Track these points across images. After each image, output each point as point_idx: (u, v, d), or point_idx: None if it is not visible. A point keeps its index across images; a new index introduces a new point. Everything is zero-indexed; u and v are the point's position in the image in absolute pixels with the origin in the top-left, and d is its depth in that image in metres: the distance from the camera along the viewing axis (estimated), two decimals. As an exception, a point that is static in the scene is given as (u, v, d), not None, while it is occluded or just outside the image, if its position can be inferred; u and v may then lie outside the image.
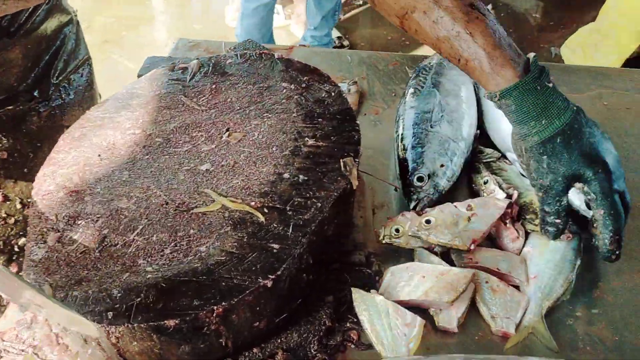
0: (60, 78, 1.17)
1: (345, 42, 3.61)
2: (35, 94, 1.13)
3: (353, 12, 4.01)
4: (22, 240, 1.19)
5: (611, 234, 0.87)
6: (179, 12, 4.10)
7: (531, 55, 0.88)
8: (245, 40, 1.39)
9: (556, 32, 3.79)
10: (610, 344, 0.88)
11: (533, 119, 0.86)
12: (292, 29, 3.75)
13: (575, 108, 0.89)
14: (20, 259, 1.21)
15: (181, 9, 4.13)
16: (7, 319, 0.92)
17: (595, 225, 0.89)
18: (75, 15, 1.22)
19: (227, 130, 0.98)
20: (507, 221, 0.99)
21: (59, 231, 0.86)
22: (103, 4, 4.09)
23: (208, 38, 1.53)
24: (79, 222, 0.87)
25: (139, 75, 1.23)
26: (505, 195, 1.02)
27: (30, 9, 1.06)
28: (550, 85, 0.87)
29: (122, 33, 3.77)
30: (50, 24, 1.12)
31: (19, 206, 1.15)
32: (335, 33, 3.60)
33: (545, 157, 0.87)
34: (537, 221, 0.99)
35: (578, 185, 0.88)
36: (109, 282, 0.78)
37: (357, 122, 0.99)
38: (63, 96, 1.18)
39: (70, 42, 1.19)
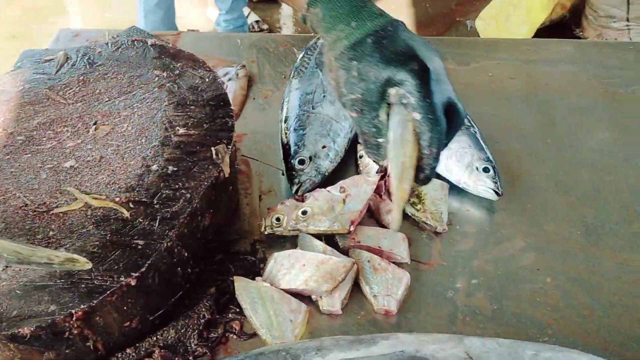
0: None
1: (264, 26, 3.56)
2: None
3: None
4: None
5: (429, 143, 0.76)
6: (92, 1, 3.94)
7: None
8: (129, 28, 1.34)
9: (472, 6, 3.84)
10: (488, 314, 0.89)
11: (342, 22, 0.79)
12: (208, 14, 3.67)
13: (393, 19, 0.81)
14: None
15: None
16: None
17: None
18: None
19: (95, 123, 0.94)
20: (382, 193, 0.99)
21: None
22: (11, -5, 3.89)
23: (121, 26, 1.46)
24: None
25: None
26: (379, 167, 1.03)
27: None
28: None
29: (30, 25, 3.59)
30: None
31: None
32: (253, 17, 3.54)
33: (355, 62, 0.77)
34: (419, 206, 1.01)
35: (392, 91, 0.76)
36: (-40, 294, 0.74)
37: (232, 107, 0.97)
38: None
39: None
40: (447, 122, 0.78)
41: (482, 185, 1.03)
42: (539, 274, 0.95)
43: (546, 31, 3.25)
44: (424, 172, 0.79)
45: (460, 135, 1.07)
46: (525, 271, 0.95)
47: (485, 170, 1.03)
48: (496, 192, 1.02)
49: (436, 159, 0.78)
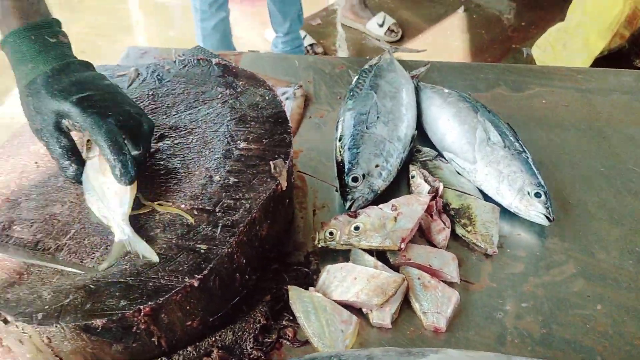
0: None
1: (319, 49, 3.64)
2: None
3: (327, 16, 4.04)
4: None
5: (114, 161, 0.85)
6: (155, 20, 4.11)
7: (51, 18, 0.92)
8: (194, 47, 1.41)
9: (528, 33, 3.83)
10: (538, 337, 0.90)
11: (22, 64, 0.88)
12: (266, 36, 3.78)
13: (72, 60, 0.90)
14: None
15: (157, 17, 4.13)
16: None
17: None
18: None
19: (162, 135, 1.00)
20: (433, 213, 1.02)
21: (-7, 238, 0.87)
22: (78, 14, 4.09)
23: (183, 44, 1.55)
24: (14, 227, 0.88)
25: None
26: (430, 188, 1.05)
27: None
28: (53, 40, 0.90)
29: (98, 43, 3.77)
30: None
31: None
32: (308, 40, 3.63)
33: (30, 98, 0.86)
34: (469, 227, 1.03)
35: (65, 122, 0.86)
36: (39, 285, 0.80)
37: (290, 124, 1.01)
38: None
39: None
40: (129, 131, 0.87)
41: (534, 210, 1.04)
42: (589, 300, 0.95)
43: (604, 61, 3.21)
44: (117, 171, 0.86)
45: (512, 160, 1.09)
46: (576, 297, 0.96)
47: (537, 195, 1.04)
48: (548, 218, 1.03)
49: (126, 174, 0.86)
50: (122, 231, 0.84)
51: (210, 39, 2.98)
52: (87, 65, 0.93)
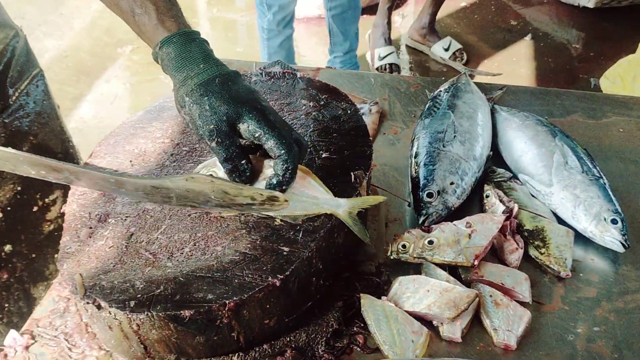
0: (17, 88, 1.23)
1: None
2: None
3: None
4: (7, 247, 1.25)
5: (284, 162, 0.87)
6: (224, 35, 4.25)
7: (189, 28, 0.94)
8: (274, 60, 1.47)
9: (596, 63, 3.77)
10: (609, 361, 0.90)
11: (192, 64, 0.89)
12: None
13: (234, 70, 0.93)
14: (9, 265, 1.27)
15: (225, 32, 4.28)
16: (43, 307, 1.00)
17: (274, 163, 0.89)
18: (22, 31, 1.27)
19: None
20: (507, 233, 1.03)
21: (91, 227, 0.94)
22: (149, 26, 4.28)
23: (246, 57, 1.61)
24: (110, 220, 0.94)
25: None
26: (505, 208, 1.06)
27: None
28: (210, 47, 0.93)
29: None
30: None
31: (0, 215, 1.22)
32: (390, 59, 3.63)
33: (206, 98, 0.87)
34: (543, 249, 1.03)
35: (242, 126, 0.87)
36: (132, 274, 0.85)
37: (370, 138, 1.05)
38: (24, 106, 1.24)
39: (21, 55, 1.24)
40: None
41: (609, 236, 1.04)
42: (664, 329, 0.94)
43: (676, 94, 3.13)
44: (281, 187, 0.89)
45: (589, 185, 1.09)
46: (649, 325, 0.95)
47: (613, 221, 1.04)
48: (623, 245, 1.03)
49: (292, 177, 0.89)
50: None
51: (276, 56, 3.07)
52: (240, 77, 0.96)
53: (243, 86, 0.91)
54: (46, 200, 1.29)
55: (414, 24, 3.75)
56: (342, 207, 0.91)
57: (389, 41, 3.61)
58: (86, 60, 3.87)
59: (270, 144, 0.87)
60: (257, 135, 0.87)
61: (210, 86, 0.88)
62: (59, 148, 1.35)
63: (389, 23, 3.61)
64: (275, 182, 0.89)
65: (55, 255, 0.93)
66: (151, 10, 0.92)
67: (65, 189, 1.12)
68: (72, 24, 4.28)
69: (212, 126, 0.87)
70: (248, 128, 0.87)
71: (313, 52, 3.88)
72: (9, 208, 1.23)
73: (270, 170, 0.90)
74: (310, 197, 0.92)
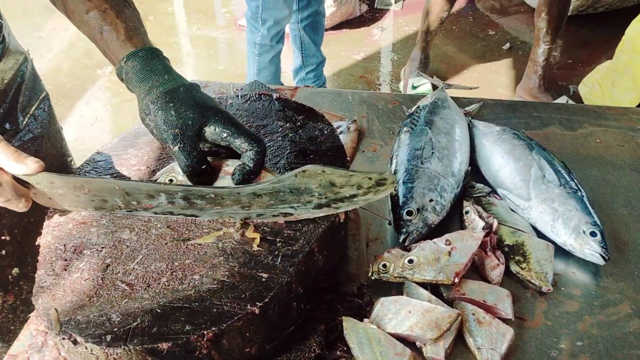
0: (27, 112, 1.24)
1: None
2: (7, 126, 1.19)
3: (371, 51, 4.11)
4: (14, 270, 1.26)
5: (256, 153, 0.91)
6: (205, 53, 4.25)
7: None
8: (252, 82, 1.47)
9: (575, 70, 3.82)
10: (593, 376, 0.90)
11: (157, 75, 0.94)
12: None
13: (195, 82, 0.98)
14: (16, 288, 1.27)
15: (207, 50, 4.28)
16: (20, 342, 0.98)
17: (243, 155, 0.92)
18: (29, 54, 1.29)
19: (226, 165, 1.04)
20: (488, 249, 1.03)
21: (66, 260, 0.92)
22: (130, 46, 4.27)
23: (230, 77, 1.61)
24: (85, 251, 0.93)
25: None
26: (484, 224, 1.06)
27: None
28: (169, 63, 0.98)
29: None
30: (7, 63, 1.19)
31: (8, 238, 1.21)
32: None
33: (172, 104, 0.91)
34: (524, 264, 1.03)
35: (208, 130, 0.92)
36: (108, 307, 0.84)
37: (348, 158, 1.04)
38: (32, 130, 1.25)
39: (30, 79, 1.26)
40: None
41: (589, 249, 1.04)
42: (647, 341, 0.94)
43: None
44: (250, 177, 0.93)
45: (567, 198, 1.09)
46: (632, 337, 0.95)
47: (593, 234, 1.04)
48: (603, 257, 1.03)
49: (258, 170, 0.93)
50: None
51: (265, 72, 3.08)
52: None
53: (206, 95, 0.96)
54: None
55: (523, 82, 3.48)
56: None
57: (424, 72, 3.54)
58: (65, 82, 3.86)
59: (239, 141, 0.91)
60: (224, 136, 0.91)
61: (175, 94, 0.92)
62: (64, 171, 1.34)
63: (426, 58, 3.57)
64: (246, 172, 0.92)
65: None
66: (120, 27, 0.98)
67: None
68: (50, 46, 4.27)
69: (177, 130, 0.90)
70: (215, 130, 0.91)
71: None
72: (15, 231, 1.23)
73: (230, 167, 0.94)
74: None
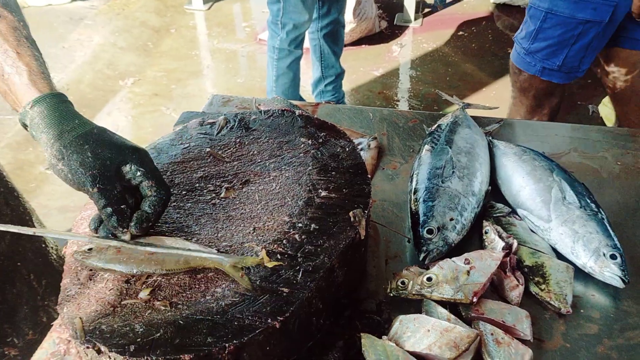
0: None
1: None
2: None
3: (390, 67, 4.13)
4: None
5: (160, 199, 0.92)
6: (225, 66, 4.30)
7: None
8: (273, 97, 1.49)
9: (595, 90, 3.80)
10: (611, 399, 0.89)
11: (67, 120, 0.93)
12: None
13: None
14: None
15: (226, 63, 4.33)
16: (43, 350, 1.00)
17: (145, 199, 0.92)
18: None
19: (247, 181, 1.06)
20: (507, 270, 1.03)
21: (91, 270, 0.94)
22: (154, 59, 4.33)
23: (249, 91, 1.64)
24: (110, 261, 0.95)
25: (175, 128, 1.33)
26: (504, 244, 1.06)
27: None
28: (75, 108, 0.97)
29: (171, 86, 3.97)
30: None
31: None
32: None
33: (87, 146, 0.90)
34: (543, 286, 1.03)
35: (126, 168, 0.92)
36: (132, 318, 0.85)
37: (369, 176, 1.05)
38: None
39: None
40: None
41: (609, 272, 1.04)
42: (666, 366, 0.93)
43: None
44: (144, 223, 0.92)
45: (587, 220, 1.09)
46: (652, 362, 0.94)
47: (613, 257, 1.04)
48: (623, 280, 1.02)
49: (161, 212, 0.93)
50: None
51: (283, 77, 3.14)
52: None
53: (120, 136, 0.96)
54: None
55: None
56: (227, 262, 0.89)
57: None
58: (87, 93, 3.92)
59: (149, 183, 0.92)
60: (137, 174, 0.92)
61: (89, 136, 0.92)
62: None
63: None
64: (148, 213, 0.92)
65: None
66: (23, 70, 0.96)
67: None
68: (73, 57, 4.34)
69: (95, 171, 0.89)
70: (131, 169, 0.92)
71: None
72: None
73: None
74: (196, 249, 0.92)
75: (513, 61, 2.17)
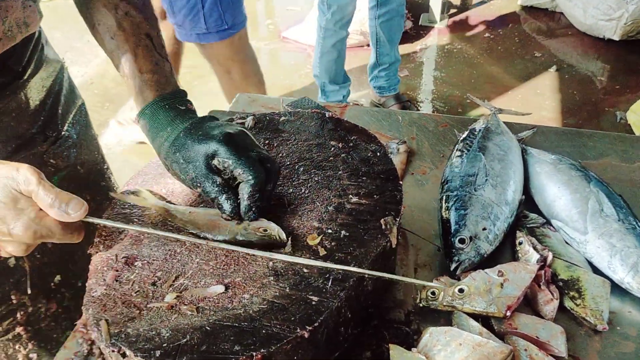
0: (66, 119, 1.26)
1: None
2: (48, 133, 1.20)
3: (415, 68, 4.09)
4: (57, 278, 1.27)
5: (251, 188, 0.91)
6: (246, 64, 4.28)
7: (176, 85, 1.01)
8: (301, 97, 1.46)
9: (622, 96, 3.74)
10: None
11: (162, 131, 0.97)
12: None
13: (203, 116, 1.00)
14: (58, 296, 1.28)
15: (248, 62, 4.31)
16: (66, 350, 0.99)
17: (240, 188, 0.93)
18: (64, 63, 1.30)
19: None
20: (541, 283, 0.99)
21: (117, 270, 0.92)
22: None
23: (271, 89, 1.62)
24: (136, 263, 0.93)
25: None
26: (539, 256, 1.03)
27: (26, 59, 1.14)
28: (183, 107, 0.99)
29: (193, 83, 3.97)
30: (47, 71, 1.21)
31: (50, 246, 1.22)
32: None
33: (178, 154, 0.94)
34: (579, 301, 0.99)
35: (215, 161, 0.92)
36: (158, 322, 0.83)
37: (400, 182, 1.03)
38: (71, 137, 1.26)
39: (67, 87, 1.28)
40: (264, 170, 0.93)
41: None
42: None
43: None
44: (250, 211, 0.93)
45: (625, 234, 1.05)
46: (691, 384, 0.91)
47: (652, 272, 1.00)
48: None
49: (260, 198, 0.93)
50: None
51: (327, 56, 3.27)
52: (216, 118, 1.00)
53: (206, 126, 0.96)
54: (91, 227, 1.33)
55: None
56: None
57: None
58: (111, 88, 3.93)
59: (239, 171, 0.92)
60: (226, 165, 0.92)
61: (177, 142, 0.95)
62: (101, 178, 1.37)
63: None
64: (244, 207, 0.93)
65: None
66: (136, 75, 1.00)
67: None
68: (97, 51, 4.32)
69: (192, 174, 0.93)
70: (219, 162, 0.93)
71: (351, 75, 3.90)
72: None
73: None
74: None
75: None
